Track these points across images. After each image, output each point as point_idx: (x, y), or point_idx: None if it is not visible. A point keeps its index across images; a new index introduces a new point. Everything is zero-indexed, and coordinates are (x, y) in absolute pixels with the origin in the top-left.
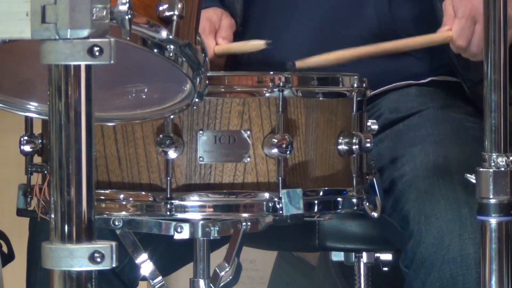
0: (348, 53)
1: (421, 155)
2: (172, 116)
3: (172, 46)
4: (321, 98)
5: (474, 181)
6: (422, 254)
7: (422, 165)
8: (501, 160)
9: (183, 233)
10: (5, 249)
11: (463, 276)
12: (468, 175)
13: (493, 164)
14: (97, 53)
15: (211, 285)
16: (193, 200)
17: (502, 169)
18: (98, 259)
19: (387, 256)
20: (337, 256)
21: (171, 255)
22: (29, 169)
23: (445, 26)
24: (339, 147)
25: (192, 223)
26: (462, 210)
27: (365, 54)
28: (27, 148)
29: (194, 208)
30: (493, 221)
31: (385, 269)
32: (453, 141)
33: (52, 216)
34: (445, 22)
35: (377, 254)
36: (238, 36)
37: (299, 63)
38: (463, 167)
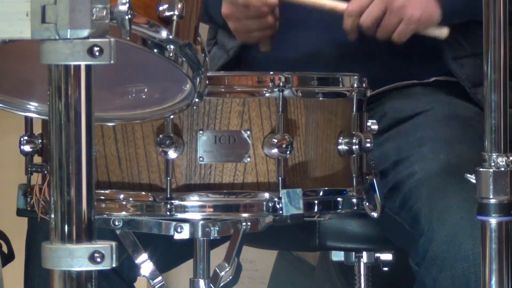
0: None
1: (431, 154)
2: (172, 116)
3: (172, 46)
4: (321, 98)
5: (474, 181)
6: (434, 251)
7: (432, 163)
8: (501, 160)
9: (183, 233)
10: (5, 249)
11: (475, 274)
12: (468, 175)
13: (493, 164)
14: (97, 53)
15: (211, 285)
16: (193, 200)
17: (502, 169)
18: (98, 259)
19: (387, 256)
20: (337, 256)
21: (171, 254)
22: (29, 169)
23: None
24: (339, 147)
25: (192, 223)
26: (474, 209)
27: None
28: (27, 148)
29: (194, 208)
30: (493, 221)
31: (385, 269)
32: (462, 140)
33: (52, 216)
34: None
35: (377, 254)
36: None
37: None
38: (474, 166)
